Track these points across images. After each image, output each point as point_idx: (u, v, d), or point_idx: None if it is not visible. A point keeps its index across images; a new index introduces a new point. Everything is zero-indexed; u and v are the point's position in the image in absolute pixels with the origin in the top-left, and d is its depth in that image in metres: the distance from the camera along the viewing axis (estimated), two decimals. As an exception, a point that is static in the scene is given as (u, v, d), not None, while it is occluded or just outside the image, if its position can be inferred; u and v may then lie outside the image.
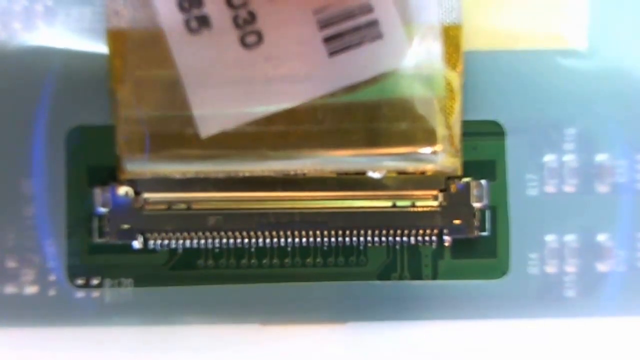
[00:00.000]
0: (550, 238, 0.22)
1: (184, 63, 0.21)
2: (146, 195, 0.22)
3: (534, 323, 0.22)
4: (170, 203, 0.22)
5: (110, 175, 0.22)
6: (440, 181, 0.22)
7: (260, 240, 0.22)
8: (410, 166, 0.21)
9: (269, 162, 0.21)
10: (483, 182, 0.22)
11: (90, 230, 0.22)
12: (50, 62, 0.22)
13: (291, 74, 0.21)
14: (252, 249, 0.22)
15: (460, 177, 0.22)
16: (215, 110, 0.21)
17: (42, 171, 0.22)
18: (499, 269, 0.22)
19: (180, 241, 0.22)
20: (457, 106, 0.21)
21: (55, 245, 0.22)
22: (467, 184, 0.22)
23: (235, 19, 0.21)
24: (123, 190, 0.22)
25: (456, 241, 0.22)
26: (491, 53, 0.22)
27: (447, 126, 0.21)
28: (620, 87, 0.22)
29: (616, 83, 0.22)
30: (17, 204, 0.22)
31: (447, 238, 0.22)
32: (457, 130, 0.21)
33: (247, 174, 0.21)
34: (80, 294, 0.22)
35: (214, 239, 0.22)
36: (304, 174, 0.21)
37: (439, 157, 0.21)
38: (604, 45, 0.22)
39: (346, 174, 0.22)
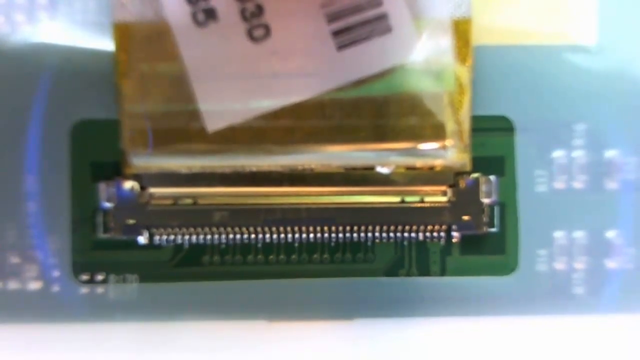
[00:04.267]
0: (559, 234, 0.22)
1: (190, 56, 0.21)
2: (152, 190, 0.21)
3: (542, 320, 0.22)
4: (176, 198, 0.21)
5: (114, 170, 0.22)
6: (449, 177, 0.22)
7: (267, 236, 0.22)
8: (418, 161, 0.21)
9: (276, 157, 0.21)
10: (492, 177, 0.22)
11: (95, 226, 0.22)
12: (54, 55, 0.22)
13: (299, 68, 0.21)
14: (259, 245, 0.22)
15: (469, 173, 0.22)
16: (222, 104, 0.21)
17: (45, 166, 0.22)
18: (508, 266, 0.22)
19: (186, 237, 0.22)
20: (466, 101, 0.21)
21: (59, 240, 0.22)
22: (476, 180, 0.22)
23: (242, 12, 0.21)
24: (129, 184, 0.21)
25: (465, 237, 0.22)
26: (501, 48, 0.22)
27: (456, 121, 0.21)
28: (631, 83, 0.22)
29: (626, 79, 0.22)
30: (20, 199, 0.22)
31: (455, 234, 0.22)
32: (466, 125, 0.21)
33: (253, 169, 0.21)
34: (84, 290, 0.22)
35: (220, 234, 0.22)
36: (311, 169, 0.21)
37: (448, 152, 0.21)
38: (614, 41, 0.22)
39: (354, 169, 0.21)
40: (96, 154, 0.22)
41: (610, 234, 0.22)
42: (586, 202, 0.22)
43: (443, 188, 0.22)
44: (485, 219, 0.22)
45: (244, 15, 0.21)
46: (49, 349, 0.22)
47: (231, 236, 0.22)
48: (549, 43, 0.22)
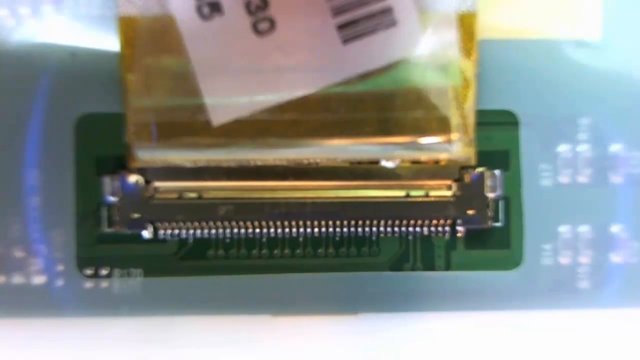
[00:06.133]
0: (564, 229, 0.22)
1: (195, 50, 0.21)
2: (156, 184, 0.21)
3: (547, 314, 0.22)
4: (180, 192, 0.21)
5: (119, 164, 0.22)
6: (454, 171, 0.22)
7: (272, 230, 0.22)
8: (423, 155, 0.21)
9: (281, 151, 0.21)
10: (497, 172, 0.22)
11: (99, 220, 0.22)
12: (58, 49, 0.22)
13: (304, 62, 0.21)
14: (263, 239, 0.22)
15: (474, 167, 0.22)
16: (227, 98, 0.21)
17: (49, 160, 0.22)
18: (513, 260, 0.22)
19: (191, 231, 0.22)
20: (471, 95, 0.21)
21: (63, 235, 0.22)
22: (481, 174, 0.22)
23: (247, 5, 0.21)
24: (134, 178, 0.21)
25: (469, 232, 0.22)
26: (506, 42, 0.22)
27: (461, 115, 0.21)
28: (635, 77, 0.22)
29: (630, 74, 0.22)
30: (25, 194, 0.22)
31: (460, 228, 0.22)
32: (471, 119, 0.21)
33: (258, 163, 0.21)
34: (89, 284, 0.22)
35: (224, 228, 0.22)
36: (316, 164, 0.21)
37: (453, 146, 0.21)
38: (618, 36, 0.22)
39: (359, 163, 0.21)
40: (101, 147, 0.22)
41: (615, 228, 0.22)
42: (591, 196, 0.22)
43: (448, 182, 0.22)
44: (490, 213, 0.22)
45: (249, 9, 0.21)
46: (53, 343, 0.22)
47: (236, 230, 0.22)
48: (554, 38, 0.22)
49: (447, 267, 0.22)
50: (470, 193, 0.22)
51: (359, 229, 0.22)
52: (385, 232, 0.22)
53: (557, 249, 0.22)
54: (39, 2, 0.22)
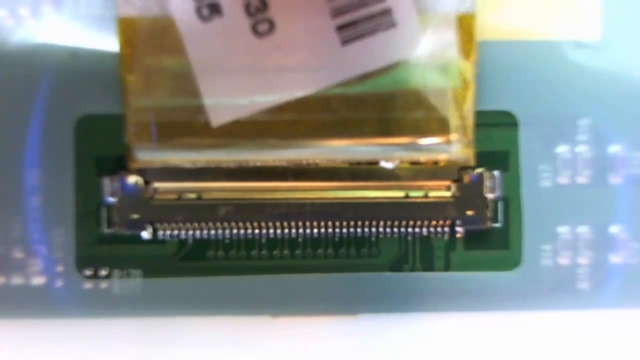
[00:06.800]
0: (563, 230, 0.22)
1: (194, 51, 0.21)
2: (156, 184, 0.21)
3: (546, 315, 0.22)
4: (180, 193, 0.21)
5: (119, 164, 0.22)
6: (453, 172, 0.22)
7: (271, 230, 0.22)
8: (423, 156, 0.21)
9: (281, 152, 0.21)
10: (496, 173, 0.22)
11: (99, 221, 0.22)
12: (58, 49, 0.22)
13: (303, 63, 0.21)
14: (263, 240, 0.22)
15: (473, 168, 0.22)
16: (227, 98, 0.21)
17: (49, 160, 0.22)
18: (512, 261, 0.22)
19: (190, 232, 0.22)
20: (470, 96, 0.21)
21: (63, 235, 0.22)
22: (480, 175, 0.22)
23: (247, 7, 0.21)
24: (133, 179, 0.21)
25: (469, 232, 0.22)
26: (505, 43, 0.22)
27: (460, 116, 0.21)
28: (634, 78, 0.22)
29: (629, 74, 0.22)
30: (25, 194, 0.22)
31: (459, 229, 0.22)
32: (470, 120, 0.21)
33: (258, 164, 0.21)
34: (88, 284, 0.22)
35: (224, 229, 0.22)
36: (316, 164, 0.21)
37: (452, 147, 0.21)
38: (617, 37, 0.22)
39: (358, 164, 0.21)
40: (100, 148, 0.22)
41: (614, 229, 0.22)
42: (590, 197, 0.22)
43: (447, 183, 0.22)
44: (489, 214, 0.22)
45: (249, 10, 0.21)
46: (53, 344, 0.22)
47: (235, 231, 0.22)
48: (553, 39, 0.22)
49: (447, 267, 0.22)
50: (470, 194, 0.22)
51: (359, 230, 0.22)
52: (385, 233, 0.22)
53: (557, 250, 0.22)
54: (39, 2, 0.22)
